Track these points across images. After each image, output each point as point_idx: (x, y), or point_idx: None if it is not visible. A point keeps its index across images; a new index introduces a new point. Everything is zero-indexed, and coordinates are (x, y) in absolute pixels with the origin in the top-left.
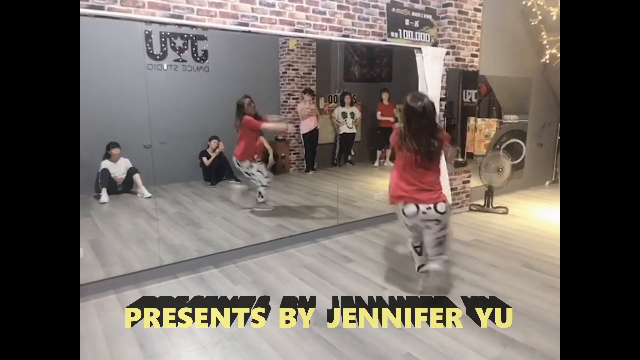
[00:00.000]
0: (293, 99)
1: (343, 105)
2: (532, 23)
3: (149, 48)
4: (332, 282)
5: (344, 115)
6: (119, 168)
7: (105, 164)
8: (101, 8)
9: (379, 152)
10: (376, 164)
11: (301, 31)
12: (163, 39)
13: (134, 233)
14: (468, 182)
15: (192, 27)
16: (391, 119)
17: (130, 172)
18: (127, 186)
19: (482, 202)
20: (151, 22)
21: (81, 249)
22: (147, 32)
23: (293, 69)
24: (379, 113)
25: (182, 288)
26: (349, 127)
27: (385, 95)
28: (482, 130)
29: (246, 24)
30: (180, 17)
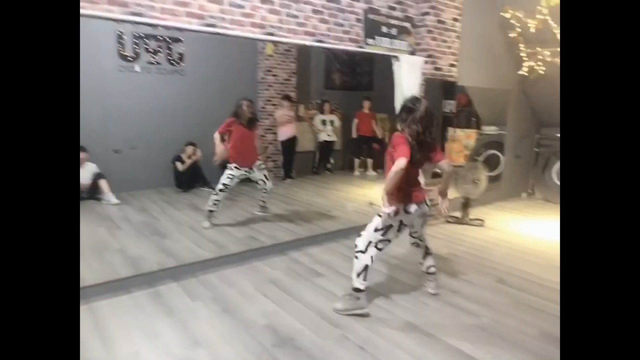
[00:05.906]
0: (272, 105)
1: (322, 112)
2: (511, 35)
3: (120, 49)
4: (297, 298)
5: (323, 122)
6: (84, 173)
7: None
8: None
9: (357, 161)
10: (356, 173)
11: (272, 34)
12: (136, 41)
13: (93, 243)
14: None
15: (152, 25)
16: (369, 130)
17: (96, 177)
18: (92, 192)
19: (458, 214)
20: (108, 19)
21: None
22: (118, 33)
23: (272, 75)
24: (355, 121)
25: (134, 305)
26: (329, 135)
27: (366, 104)
28: (461, 141)
29: (213, 25)
30: (140, 14)
